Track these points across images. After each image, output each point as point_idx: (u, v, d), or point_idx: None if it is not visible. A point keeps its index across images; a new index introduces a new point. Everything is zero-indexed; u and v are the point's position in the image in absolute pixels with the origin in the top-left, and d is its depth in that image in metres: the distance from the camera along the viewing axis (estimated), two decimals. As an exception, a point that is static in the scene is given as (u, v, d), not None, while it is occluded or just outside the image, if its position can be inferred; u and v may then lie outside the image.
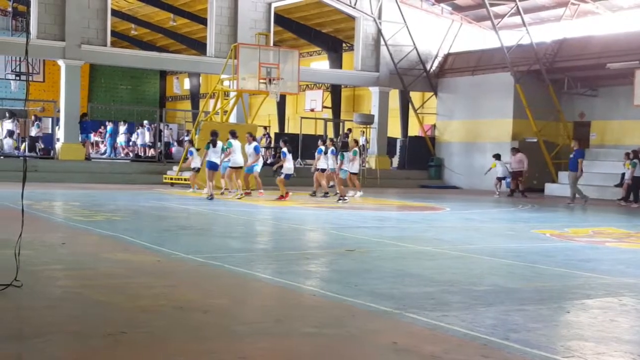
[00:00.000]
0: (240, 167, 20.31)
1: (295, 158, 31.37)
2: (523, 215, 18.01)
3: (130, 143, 35.22)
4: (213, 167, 19.48)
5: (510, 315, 6.15)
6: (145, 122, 33.77)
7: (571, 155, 23.12)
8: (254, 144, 21.18)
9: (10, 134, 30.60)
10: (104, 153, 34.18)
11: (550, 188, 28.39)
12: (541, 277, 8.33)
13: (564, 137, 29.71)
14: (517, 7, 28.63)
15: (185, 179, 25.26)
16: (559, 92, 29.48)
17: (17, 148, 29.32)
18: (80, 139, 28.53)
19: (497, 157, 27.07)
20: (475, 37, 34.58)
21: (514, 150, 27.03)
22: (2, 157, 27.44)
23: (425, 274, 8.16)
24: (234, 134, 20.32)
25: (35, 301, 6.26)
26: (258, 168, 21.22)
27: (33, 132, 30.46)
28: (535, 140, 29.38)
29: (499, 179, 27.05)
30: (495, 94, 30.67)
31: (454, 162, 32.98)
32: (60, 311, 5.90)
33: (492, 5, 29.19)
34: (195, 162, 21.69)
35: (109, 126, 34.42)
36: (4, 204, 14.57)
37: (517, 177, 26.75)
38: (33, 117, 32.07)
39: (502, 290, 7.32)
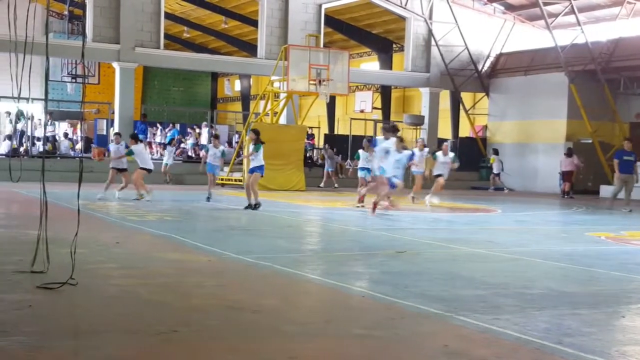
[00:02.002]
0: (149, 170, 18.20)
1: (344, 159, 31.51)
2: (577, 218, 17.73)
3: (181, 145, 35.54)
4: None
5: (563, 319, 6.05)
6: (204, 123, 34.02)
7: (630, 157, 20.79)
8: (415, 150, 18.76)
9: (66, 135, 31.22)
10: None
11: (605, 190, 27.85)
12: (596, 281, 8.18)
13: (620, 138, 29.14)
14: (572, 6, 28.20)
15: (235, 180, 25.47)
16: (615, 92, 28.95)
17: (73, 149, 29.90)
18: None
19: (496, 152, 27.58)
20: (528, 37, 34.17)
21: (569, 152, 26.95)
22: (58, 158, 28.02)
23: (476, 277, 8.08)
24: (135, 138, 18.43)
25: (90, 299, 6.38)
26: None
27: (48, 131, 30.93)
28: (590, 141, 28.89)
29: (495, 175, 27.72)
30: (549, 94, 30.25)
31: (505, 163, 32.59)
32: (114, 309, 6.00)
33: (545, 4, 28.80)
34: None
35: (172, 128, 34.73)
36: (61, 204, 14.87)
37: (569, 178, 26.61)
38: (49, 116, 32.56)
39: (555, 294, 7.21)
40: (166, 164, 26.63)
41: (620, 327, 6.07)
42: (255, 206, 15.86)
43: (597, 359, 4.86)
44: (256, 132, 16.68)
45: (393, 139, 15.97)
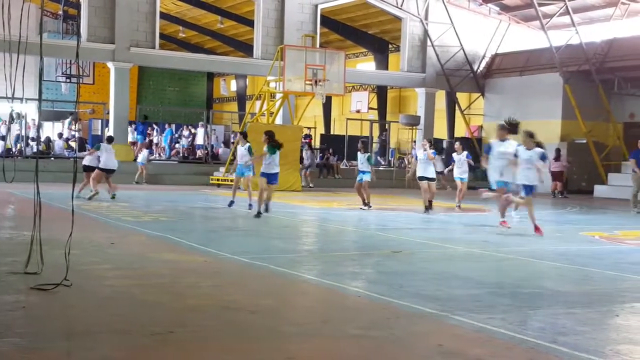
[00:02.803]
0: (111, 171, 17.97)
1: (340, 160, 31.52)
2: (571, 217, 17.75)
3: (177, 145, 35.50)
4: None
5: (558, 319, 6.07)
6: (200, 123, 33.96)
7: None
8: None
9: (60, 135, 31.16)
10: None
11: (599, 190, 27.92)
12: (590, 280, 8.20)
13: (614, 138, 29.20)
14: (566, 7, 28.24)
15: (231, 180, 25.43)
16: (609, 93, 29.00)
17: (68, 149, 29.83)
18: (139, 139, 29.35)
19: (439, 151, 28.13)
20: (523, 37, 34.20)
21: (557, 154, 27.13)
22: (52, 159, 27.96)
23: (471, 276, 8.10)
24: (109, 139, 18.60)
25: (85, 300, 6.37)
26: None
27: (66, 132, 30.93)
28: (585, 141, 28.94)
29: (438, 173, 28.18)
30: (544, 95, 30.29)
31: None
32: (108, 310, 5.99)
33: (540, 5, 28.84)
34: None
35: (167, 128, 34.70)
36: (55, 205, 14.84)
37: (560, 178, 26.84)
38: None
39: (549, 293, 7.23)
40: (143, 164, 26.26)
41: (614, 326, 6.09)
42: (259, 213, 14.64)
43: (591, 358, 4.88)
44: (269, 135, 15.02)
45: (512, 141, 13.38)
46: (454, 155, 19.13)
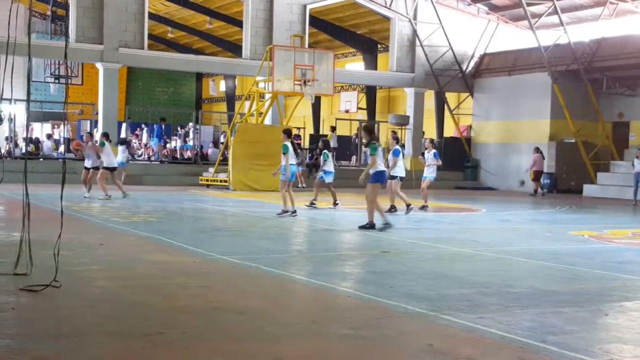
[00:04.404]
0: (114, 168, 18.74)
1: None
2: (561, 217, 17.81)
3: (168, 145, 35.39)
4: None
5: (547, 318, 6.09)
6: (190, 124, 33.83)
7: None
8: (433, 150, 17.65)
9: (49, 136, 31.01)
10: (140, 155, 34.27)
11: (588, 189, 28.02)
12: (579, 279, 8.23)
13: (603, 138, 29.32)
14: (555, 7, 28.33)
15: (221, 180, 25.40)
16: (598, 92, 29.10)
17: (57, 150, 29.70)
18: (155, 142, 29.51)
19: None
20: (512, 37, 34.29)
21: (536, 150, 27.28)
22: (41, 160, 27.84)
23: (461, 276, 8.11)
24: (106, 136, 19.07)
25: (74, 301, 6.34)
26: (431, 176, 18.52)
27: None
28: (574, 140, 29.05)
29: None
30: (532, 94, 30.37)
31: (490, 163, 32.72)
32: (98, 311, 5.97)
33: (529, 4, 28.91)
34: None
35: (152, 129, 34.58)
36: (44, 206, 14.78)
37: (537, 177, 27.10)
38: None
39: (539, 293, 7.25)
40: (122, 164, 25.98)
41: (603, 325, 6.11)
42: (374, 226, 12.77)
43: (580, 357, 4.89)
44: (369, 130, 13.44)
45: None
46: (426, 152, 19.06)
